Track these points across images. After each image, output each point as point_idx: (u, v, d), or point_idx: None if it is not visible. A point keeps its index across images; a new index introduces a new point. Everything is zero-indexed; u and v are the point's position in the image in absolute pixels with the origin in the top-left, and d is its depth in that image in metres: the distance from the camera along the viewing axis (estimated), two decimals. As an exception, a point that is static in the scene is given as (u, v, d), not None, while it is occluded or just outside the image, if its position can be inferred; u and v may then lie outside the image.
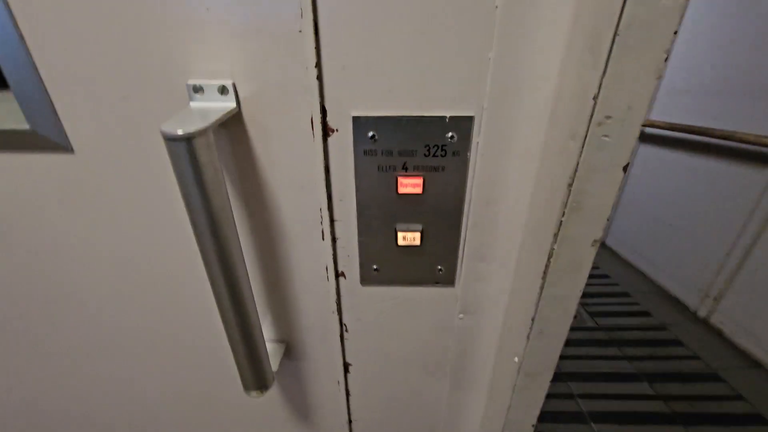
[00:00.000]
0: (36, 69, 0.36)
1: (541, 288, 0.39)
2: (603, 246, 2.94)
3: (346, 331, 0.54)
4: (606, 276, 2.54)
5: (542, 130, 0.37)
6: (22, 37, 0.35)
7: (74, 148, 0.40)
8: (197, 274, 0.48)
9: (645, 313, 2.16)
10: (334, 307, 0.50)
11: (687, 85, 2.20)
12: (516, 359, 0.47)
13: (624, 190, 2.72)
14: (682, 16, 0.25)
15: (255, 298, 0.44)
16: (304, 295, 0.50)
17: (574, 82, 0.31)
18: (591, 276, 2.57)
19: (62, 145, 0.39)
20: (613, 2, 0.25)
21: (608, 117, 0.29)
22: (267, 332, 0.54)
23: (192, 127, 0.30)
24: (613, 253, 2.81)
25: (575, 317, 2.12)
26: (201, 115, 0.33)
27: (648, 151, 2.50)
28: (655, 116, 2.42)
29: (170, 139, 0.30)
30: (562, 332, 0.43)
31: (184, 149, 0.30)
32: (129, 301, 0.51)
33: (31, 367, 0.60)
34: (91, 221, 0.44)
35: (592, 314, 2.15)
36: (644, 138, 2.52)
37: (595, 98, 0.29)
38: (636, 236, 2.62)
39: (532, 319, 0.41)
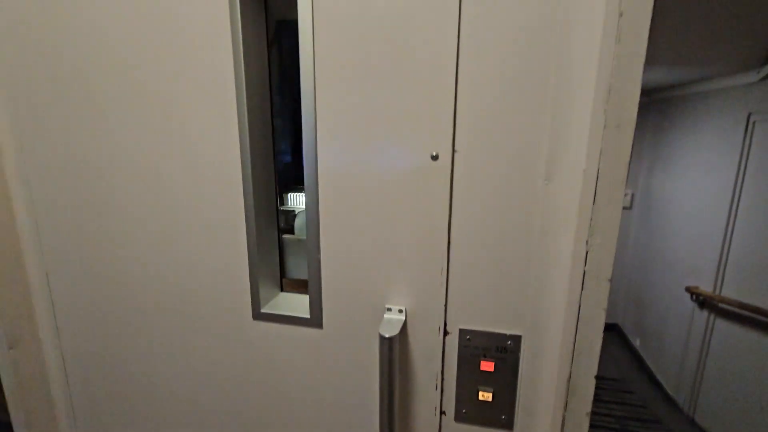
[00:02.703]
0: (320, 280, 0.82)
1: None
2: (692, 423, 2.74)
3: (441, 453, 0.84)
4: (695, 459, 2.36)
5: (567, 358, 0.72)
6: (319, 264, 0.81)
7: (324, 326, 0.83)
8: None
9: None
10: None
11: (754, 263, 2.34)
12: (552, 489, 0.73)
13: (706, 364, 2.66)
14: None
15: None
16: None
17: (567, 332, 0.68)
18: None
19: (319, 325, 0.83)
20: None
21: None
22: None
23: (392, 333, 0.72)
24: (704, 433, 2.61)
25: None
26: (392, 325, 0.75)
27: (724, 326, 2.52)
28: (726, 292, 2.52)
29: (383, 338, 0.71)
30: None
31: (388, 343, 0.71)
32: None
33: None
34: (323, 380, 0.86)
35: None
36: (719, 312, 2.57)
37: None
38: (728, 415, 2.46)
39: (558, 459, 0.70)
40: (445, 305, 0.76)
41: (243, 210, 0.81)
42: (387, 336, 0.72)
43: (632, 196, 3.87)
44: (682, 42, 2.09)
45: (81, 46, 0.82)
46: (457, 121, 0.69)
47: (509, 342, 0.76)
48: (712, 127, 2.71)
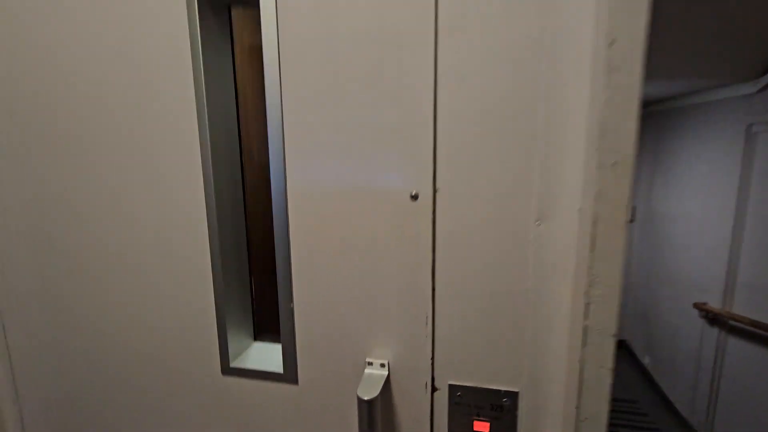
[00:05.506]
0: (294, 331, 0.74)
1: None
2: (708, 448, 2.61)
3: None
4: (714, 489, 2.23)
5: (571, 423, 0.64)
6: (292, 314, 0.74)
7: (299, 382, 0.75)
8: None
9: None
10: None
11: (766, 279, 2.25)
12: None
13: (720, 384, 2.54)
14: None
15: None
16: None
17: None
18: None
19: (294, 380, 0.75)
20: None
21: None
22: None
23: (372, 395, 0.64)
24: (722, 460, 2.48)
25: None
26: (372, 383, 0.67)
27: (737, 344, 2.42)
28: (737, 309, 2.42)
29: (362, 401, 0.63)
30: None
31: (367, 407, 0.63)
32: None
33: None
34: None
35: None
36: (730, 329, 2.47)
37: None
38: (746, 441, 2.34)
39: None
40: (432, 358, 0.69)
41: (209, 250, 0.74)
42: (366, 399, 0.64)
43: (634, 208, 3.79)
44: (675, 57, 2.05)
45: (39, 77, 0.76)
46: (437, 157, 0.62)
47: (505, 399, 0.67)
48: (712, 138, 2.65)
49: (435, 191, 0.63)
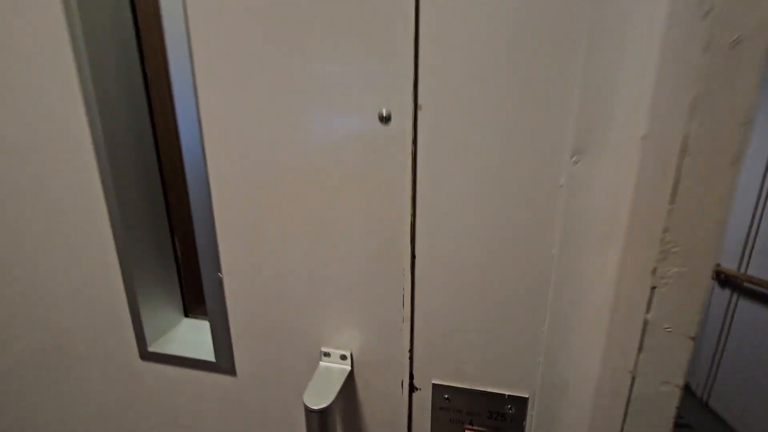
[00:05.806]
0: (226, 310, 0.55)
1: None
2: (705, 407, 2.56)
3: None
4: (710, 450, 2.18)
5: (586, 420, 0.46)
6: (221, 286, 0.55)
7: (237, 373, 0.57)
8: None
9: None
10: None
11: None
12: None
13: (725, 346, 2.44)
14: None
15: None
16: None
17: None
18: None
19: (230, 371, 0.57)
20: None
21: None
22: None
23: (323, 403, 0.45)
24: (719, 419, 2.43)
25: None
26: (328, 383, 0.48)
27: (748, 306, 2.28)
28: (753, 272, 2.26)
29: (310, 411, 0.45)
30: None
31: (318, 419, 0.45)
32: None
33: None
34: None
35: (694, 503, 1.82)
36: (743, 291, 2.32)
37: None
38: (746, 400, 2.27)
39: None
40: (411, 350, 0.50)
41: (103, 199, 0.53)
42: (315, 408, 0.45)
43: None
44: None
45: None
46: (420, 55, 0.39)
47: (509, 406, 0.49)
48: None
49: (416, 109, 0.41)
